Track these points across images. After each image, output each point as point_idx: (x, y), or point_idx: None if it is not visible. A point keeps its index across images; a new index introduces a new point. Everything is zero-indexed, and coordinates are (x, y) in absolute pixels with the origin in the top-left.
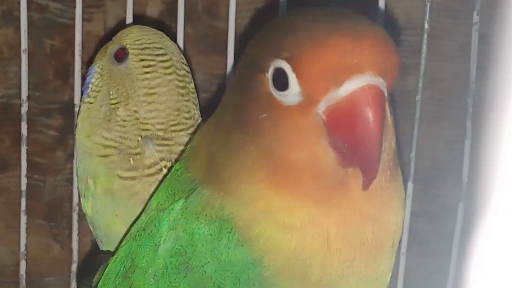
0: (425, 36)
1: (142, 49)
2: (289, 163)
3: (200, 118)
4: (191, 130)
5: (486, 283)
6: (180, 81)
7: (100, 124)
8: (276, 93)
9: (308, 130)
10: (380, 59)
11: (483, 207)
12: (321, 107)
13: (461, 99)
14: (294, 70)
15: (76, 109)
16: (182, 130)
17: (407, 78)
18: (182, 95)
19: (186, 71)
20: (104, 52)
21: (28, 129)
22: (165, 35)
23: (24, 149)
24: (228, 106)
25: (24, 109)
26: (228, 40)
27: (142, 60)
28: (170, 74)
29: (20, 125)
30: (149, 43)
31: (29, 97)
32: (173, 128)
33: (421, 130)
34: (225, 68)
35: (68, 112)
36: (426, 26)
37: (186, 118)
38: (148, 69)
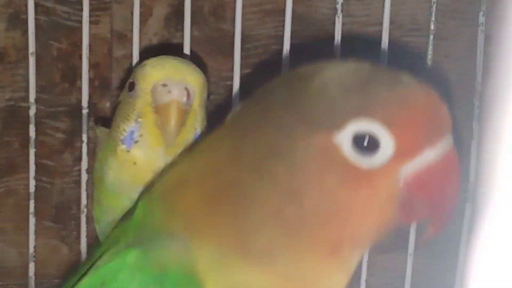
0: (431, 37)
1: None
2: (360, 232)
3: None
4: None
5: (493, 283)
6: None
7: None
8: (354, 157)
9: (384, 194)
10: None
11: (490, 208)
12: (407, 168)
13: (467, 100)
14: (391, 131)
15: (84, 111)
16: None
17: None
18: None
19: None
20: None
21: (36, 131)
22: None
23: (32, 151)
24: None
25: (31, 111)
26: (235, 42)
27: None
28: None
29: (28, 127)
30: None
31: (36, 100)
32: None
33: None
34: (232, 70)
35: (75, 114)
36: (432, 27)
37: None
38: None
